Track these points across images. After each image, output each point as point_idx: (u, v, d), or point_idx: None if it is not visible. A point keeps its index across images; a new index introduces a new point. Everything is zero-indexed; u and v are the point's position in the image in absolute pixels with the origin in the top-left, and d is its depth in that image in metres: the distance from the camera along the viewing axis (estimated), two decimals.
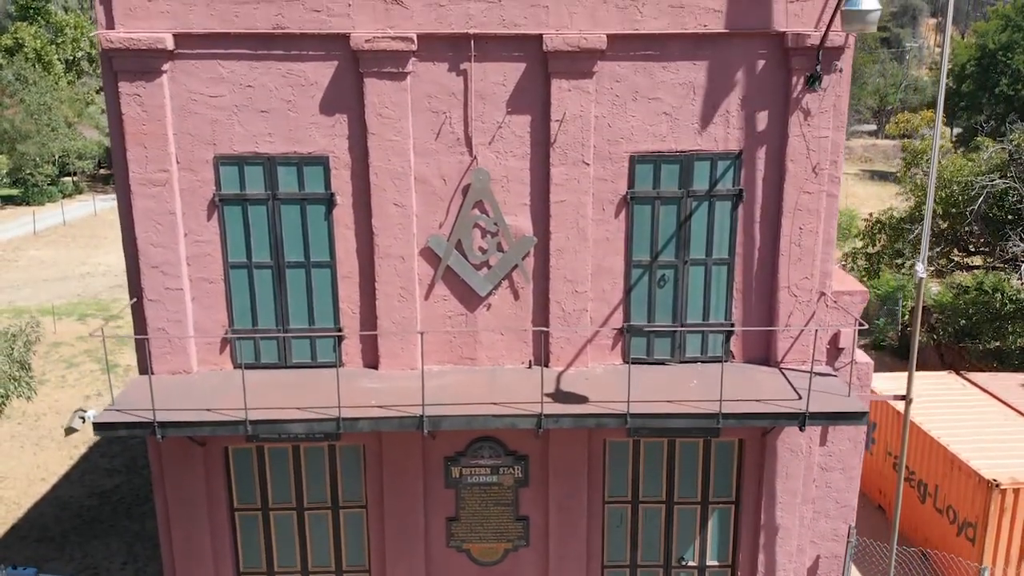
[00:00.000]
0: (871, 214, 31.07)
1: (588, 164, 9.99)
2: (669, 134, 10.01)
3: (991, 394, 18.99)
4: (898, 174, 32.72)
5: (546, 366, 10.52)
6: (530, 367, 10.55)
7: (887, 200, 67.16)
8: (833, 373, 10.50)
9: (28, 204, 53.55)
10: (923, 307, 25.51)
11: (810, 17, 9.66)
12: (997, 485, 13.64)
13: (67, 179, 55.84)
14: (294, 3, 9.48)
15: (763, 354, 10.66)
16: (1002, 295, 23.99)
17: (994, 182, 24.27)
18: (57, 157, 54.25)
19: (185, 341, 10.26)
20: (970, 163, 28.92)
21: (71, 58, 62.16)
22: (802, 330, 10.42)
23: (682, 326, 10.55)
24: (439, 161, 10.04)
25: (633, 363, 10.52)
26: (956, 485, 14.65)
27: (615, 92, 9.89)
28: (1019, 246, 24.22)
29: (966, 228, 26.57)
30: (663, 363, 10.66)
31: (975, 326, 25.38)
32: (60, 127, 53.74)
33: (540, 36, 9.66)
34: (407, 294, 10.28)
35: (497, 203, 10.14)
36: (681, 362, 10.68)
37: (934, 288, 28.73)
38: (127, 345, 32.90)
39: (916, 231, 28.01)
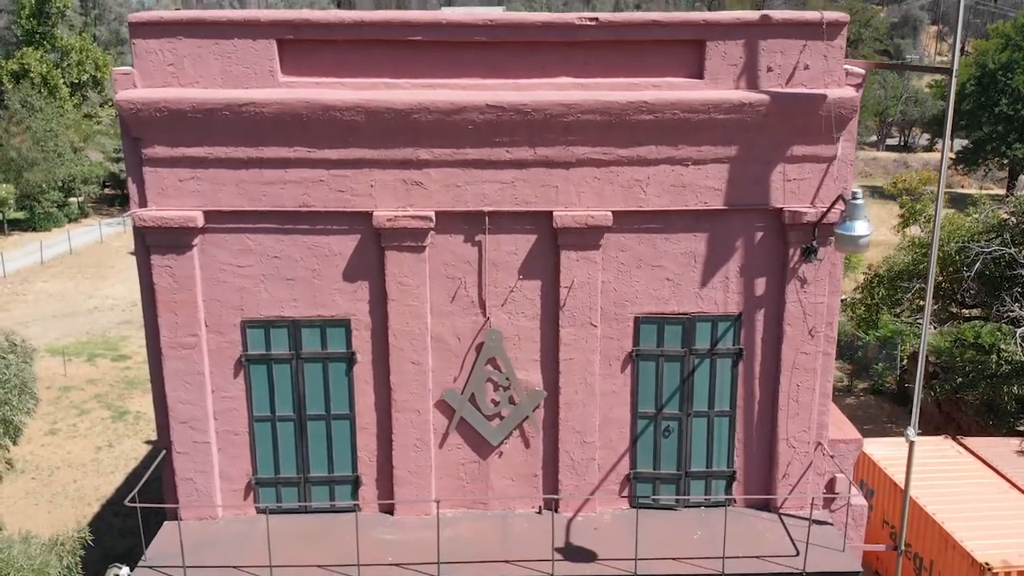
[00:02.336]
0: (870, 266, 31.56)
1: (596, 326, 10.54)
2: (672, 298, 10.55)
3: (986, 463, 19.53)
4: (896, 228, 33.20)
5: (556, 512, 11.06)
6: (540, 512, 11.10)
7: (887, 220, 67.71)
8: (829, 521, 11.05)
9: (35, 230, 54.04)
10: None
11: (806, 194, 10.19)
12: (989, 568, 14.14)
13: (72, 199, 56.17)
14: (319, 184, 10.01)
15: (763, 499, 11.21)
16: (997, 355, 24.51)
17: (990, 249, 24.76)
18: (63, 184, 54.71)
19: (211, 488, 10.80)
20: (969, 219, 29.42)
21: (76, 81, 62.60)
22: (800, 479, 10.97)
23: (686, 474, 11.10)
24: (454, 321, 10.59)
25: (640, 508, 11.05)
26: (950, 563, 15.12)
27: (620, 260, 10.43)
28: (1014, 310, 24.70)
29: (963, 287, 27.05)
30: (669, 508, 11.20)
31: (971, 383, 25.89)
32: (66, 152, 54.22)
33: (550, 213, 10.20)
34: (422, 444, 10.83)
35: (509, 360, 10.68)
36: (686, 507, 11.23)
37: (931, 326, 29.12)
38: (136, 387, 33.47)
39: (914, 288, 28.51)
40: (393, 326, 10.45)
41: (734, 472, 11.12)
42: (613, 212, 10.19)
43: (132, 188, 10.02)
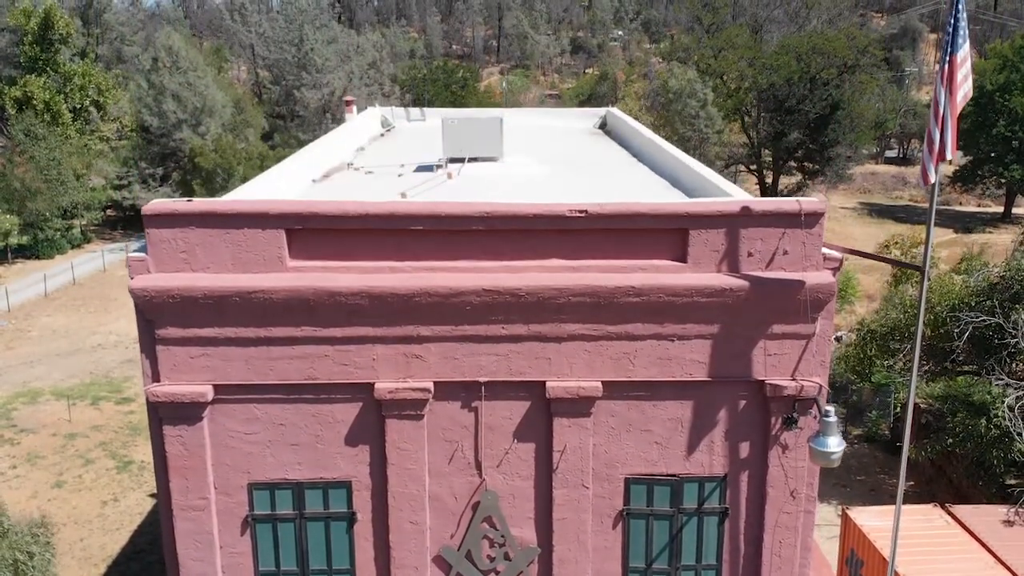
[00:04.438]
0: (862, 322, 32.10)
1: (587, 487, 11.08)
2: (660, 460, 11.10)
3: (973, 535, 20.07)
4: (890, 284, 33.66)
5: None
6: None
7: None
8: None
9: (38, 257, 54.54)
10: (914, 406, 26.60)
11: (786, 368, 10.73)
12: None
13: (74, 222, 56.63)
14: (324, 359, 10.55)
15: None
16: (988, 419, 25.04)
17: (979, 319, 25.29)
18: (66, 211, 55.20)
19: None
20: (960, 279, 29.93)
21: (79, 106, 63.07)
22: None
23: None
24: (451, 482, 11.13)
25: None
26: None
27: (611, 425, 10.97)
28: (1002, 379, 25.22)
29: (955, 349, 27.54)
30: None
31: (961, 443, 26.41)
32: (69, 180, 54.72)
33: (543, 383, 10.74)
34: None
35: (504, 518, 11.23)
36: None
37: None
38: (139, 434, 34.03)
39: (905, 348, 29.03)
40: (392, 488, 11.00)
41: None
42: (603, 382, 10.74)
43: (145, 364, 10.55)
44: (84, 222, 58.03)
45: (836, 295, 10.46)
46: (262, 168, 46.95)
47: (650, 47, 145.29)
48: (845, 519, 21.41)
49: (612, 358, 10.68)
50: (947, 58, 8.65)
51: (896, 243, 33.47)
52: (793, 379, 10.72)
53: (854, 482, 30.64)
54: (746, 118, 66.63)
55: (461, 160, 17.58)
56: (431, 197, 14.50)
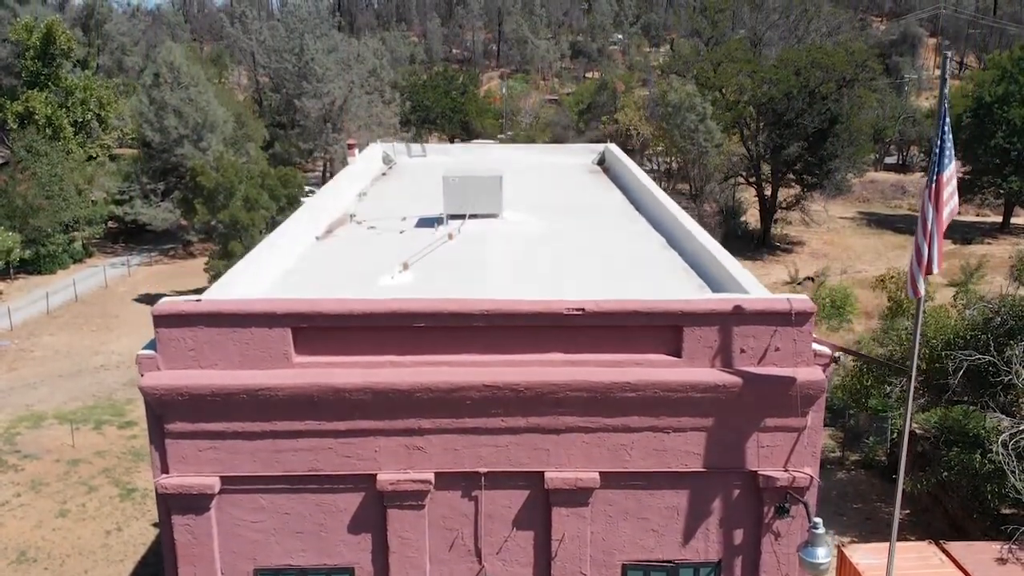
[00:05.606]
0: (859, 342, 32.35)
1: (585, 574, 11.37)
2: (656, 547, 11.39)
3: (968, 574, 20.39)
4: (884, 316, 33.93)
5: None
6: None
7: (883, 252, 68.56)
8: None
9: (40, 273, 54.77)
10: (911, 434, 26.89)
11: (779, 459, 11.02)
12: None
13: (76, 234, 56.83)
14: (328, 451, 10.84)
15: None
16: (982, 454, 25.36)
17: (973, 357, 25.56)
18: (68, 226, 55.44)
19: None
20: (955, 311, 30.22)
21: (80, 120, 63.30)
22: None
23: None
24: (452, 568, 11.42)
25: None
26: None
27: (608, 513, 11.26)
28: (997, 415, 25.49)
29: (950, 384, 27.81)
30: None
31: (956, 476, 26.72)
32: (71, 196, 54.95)
33: (542, 473, 11.03)
34: None
35: None
36: None
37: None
38: (142, 460, 34.32)
39: (901, 381, 29.30)
40: (394, 574, 11.29)
41: None
42: (600, 472, 11.03)
43: (155, 456, 10.84)
44: (86, 234, 58.24)
45: (826, 391, 10.75)
46: (263, 187, 47.21)
47: (650, 51, 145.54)
48: (841, 558, 21.72)
49: (609, 449, 10.97)
50: (934, 177, 8.92)
51: (892, 278, 33.74)
52: (785, 470, 11.01)
53: (850, 510, 30.89)
54: (745, 131, 66.89)
55: (462, 216, 17.86)
56: (431, 263, 14.81)
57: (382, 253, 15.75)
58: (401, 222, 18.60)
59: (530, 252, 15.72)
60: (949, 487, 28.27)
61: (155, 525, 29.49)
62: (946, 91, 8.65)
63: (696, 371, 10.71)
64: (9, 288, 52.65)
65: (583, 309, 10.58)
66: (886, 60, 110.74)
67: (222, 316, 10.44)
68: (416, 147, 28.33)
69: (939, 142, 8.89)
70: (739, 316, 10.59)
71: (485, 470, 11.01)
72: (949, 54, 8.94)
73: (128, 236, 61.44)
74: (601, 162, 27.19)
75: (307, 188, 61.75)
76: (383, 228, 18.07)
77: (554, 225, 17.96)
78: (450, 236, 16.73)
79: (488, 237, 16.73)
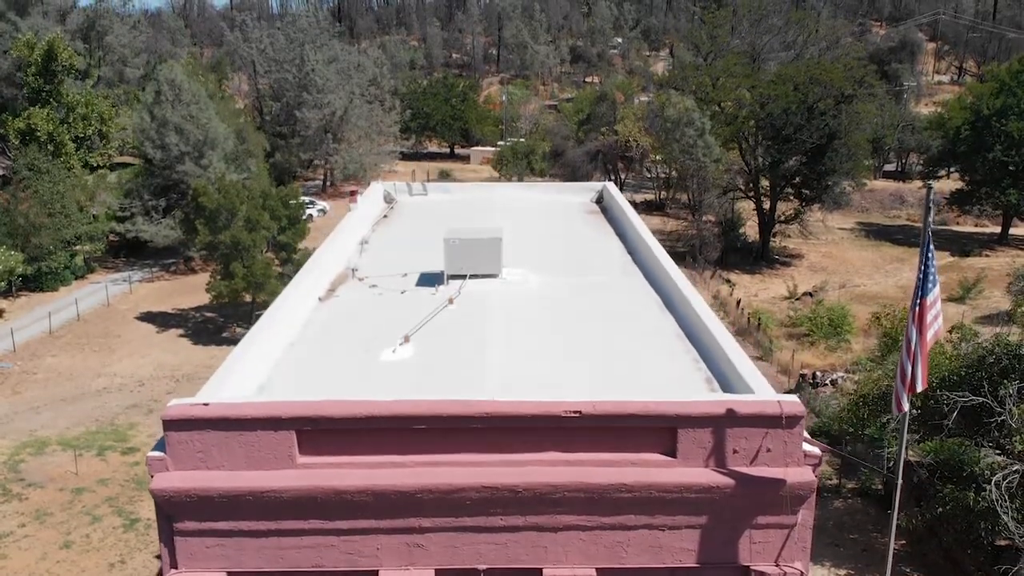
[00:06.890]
0: (856, 389, 32.63)
1: None
2: None
3: None
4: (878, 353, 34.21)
5: None
6: None
7: (881, 267, 68.84)
8: None
9: (42, 290, 55.02)
10: (907, 461, 27.23)
11: (770, 554, 11.33)
12: None
13: (77, 249, 57.05)
14: (331, 548, 11.16)
15: None
16: (976, 491, 25.70)
17: (967, 399, 25.86)
18: (70, 243, 55.70)
19: None
20: (950, 348, 30.49)
21: (82, 135, 63.55)
22: None
23: None
24: None
25: None
26: None
27: None
28: (989, 454, 25.81)
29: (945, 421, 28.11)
30: None
31: (950, 513, 27.06)
32: (73, 213, 55.21)
33: (540, 570, 11.34)
34: None
35: None
36: None
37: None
38: (144, 488, 34.61)
39: (896, 418, 29.60)
40: None
41: None
42: (597, 569, 11.34)
43: (164, 552, 11.16)
44: (88, 249, 58.48)
45: (816, 489, 11.07)
46: (265, 207, 47.47)
47: (650, 55, 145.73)
48: None
49: (606, 547, 11.29)
50: (918, 301, 9.22)
51: (887, 315, 34.05)
52: (776, 565, 11.32)
53: (847, 541, 31.19)
54: (744, 144, 67.17)
55: (463, 276, 18.17)
56: (432, 332, 15.13)
57: (383, 318, 16.07)
58: (402, 279, 18.92)
59: (529, 319, 16.04)
60: (945, 519, 28.59)
61: (157, 557, 29.78)
62: (930, 220, 8.94)
63: (690, 471, 11.02)
64: (11, 307, 52.91)
65: (580, 412, 10.89)
66: (885, 67, 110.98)
67: (229, 420, 10.74)
68: (417, 186, 28.66)
69: (922, 268, 9.19)
70: (732, 419, 10.90)
71: (484, 567, 11.33)
72: (932, 184, 9.22)
73: (129, 250, 61.68)
74: (599, 200, 27.55)
75: (306, 199, 62.11)
76: (384, 287, 18.39)
77: (553, 282, 18.31)
78: (450, 300, 17.04)
79: (488, 301, 17.04)
